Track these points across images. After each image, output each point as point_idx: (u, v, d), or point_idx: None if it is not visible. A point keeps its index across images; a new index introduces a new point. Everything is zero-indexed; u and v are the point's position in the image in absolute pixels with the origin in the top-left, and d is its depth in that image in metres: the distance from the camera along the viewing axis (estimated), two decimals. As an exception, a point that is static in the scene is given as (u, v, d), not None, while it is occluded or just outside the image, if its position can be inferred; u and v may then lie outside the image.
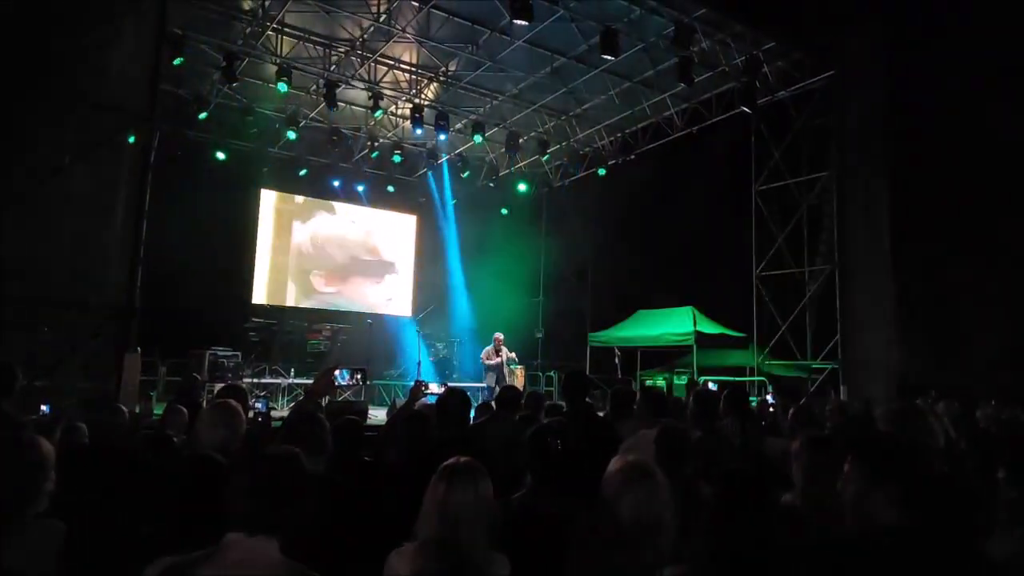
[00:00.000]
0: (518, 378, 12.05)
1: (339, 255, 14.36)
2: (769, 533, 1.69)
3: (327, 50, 10.05)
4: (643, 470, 1.80)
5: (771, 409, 6.17)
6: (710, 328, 11.47)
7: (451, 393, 3.58)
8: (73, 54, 5.81)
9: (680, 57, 9.12)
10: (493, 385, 10.68)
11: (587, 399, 3.96)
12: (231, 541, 1.51)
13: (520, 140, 12.27)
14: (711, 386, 7.42)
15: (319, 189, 13.89)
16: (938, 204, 8.77)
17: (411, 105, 11.00)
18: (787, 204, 10.82)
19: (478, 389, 10.83)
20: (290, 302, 13.48)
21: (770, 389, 9.40)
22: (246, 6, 9.05)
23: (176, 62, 8.75)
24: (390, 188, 14.48)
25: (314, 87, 10.73)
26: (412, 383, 4.36)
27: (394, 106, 11.88)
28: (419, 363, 11.86)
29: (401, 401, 6.64)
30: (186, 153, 11.45)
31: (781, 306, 10.60)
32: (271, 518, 1.53)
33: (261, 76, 10.43)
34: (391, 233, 15.14)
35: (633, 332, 12.49)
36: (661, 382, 11.48)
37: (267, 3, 8.90)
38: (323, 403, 3.23)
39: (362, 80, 10.67)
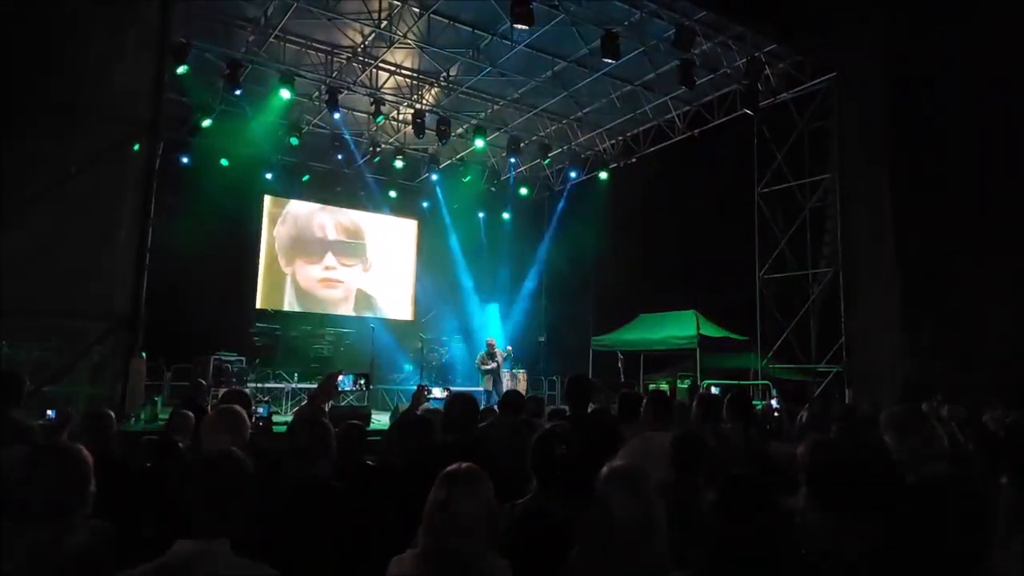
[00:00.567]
0: (520, 382, 12.06)
1: (321, 234, 14.23)
2: (772, 538, 1.68)
3: (329, 57, 10.12)
4: (627, 470, 1.80)
5: (775, 413, 6.15)
6: (713, 332, 11.42)
7: (457, 398, 3.59)
8: (78, 65, 5.85)
9: (681, 60, 9.13)
10: (490, 389, 10.72)
11: (592, 403, 3.96)
12: (180, 548, 1.56)
13: (521, 144, 12.28)
14: (714, 390, 7.38)
15: (322, 194, 13.95)
16: (942, 204, 8.71)
17: (412, 110, 11.05)
18: (790, 206, 10.77)
19: (478, 393, 10.85)
20: (289, 301, 13.51)
21: (774, 393, 9.35)
22: (249, 14, 9.13)
23: (180, 70, 8.83)
24: (392, 193, 14.53)
25: (316, 93, 10.81)
26: (415, 387, 4.36)
27: (396, 111, 11.93)
28: (421, 368, 11.86)
29: (404, 406, 6.65)
30: (190, 160, 11.55)
31: (785, 309, 10.56)
32: (215, 519, 1.59)
33: (264, 83, 10.51)
34: (392, 238, 15.17)
35: (636, 336, 12.45)
36: (664, 386, 11.43)
37: (270, 11, 8.98)
38: (326, 408, 3.24)
39: (364, 86, 10.74)
